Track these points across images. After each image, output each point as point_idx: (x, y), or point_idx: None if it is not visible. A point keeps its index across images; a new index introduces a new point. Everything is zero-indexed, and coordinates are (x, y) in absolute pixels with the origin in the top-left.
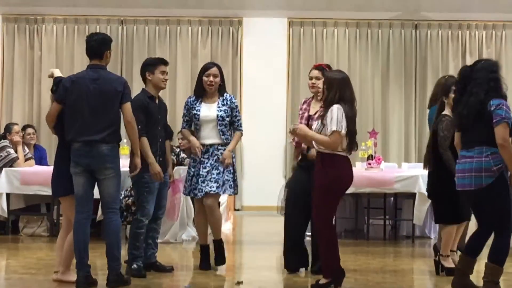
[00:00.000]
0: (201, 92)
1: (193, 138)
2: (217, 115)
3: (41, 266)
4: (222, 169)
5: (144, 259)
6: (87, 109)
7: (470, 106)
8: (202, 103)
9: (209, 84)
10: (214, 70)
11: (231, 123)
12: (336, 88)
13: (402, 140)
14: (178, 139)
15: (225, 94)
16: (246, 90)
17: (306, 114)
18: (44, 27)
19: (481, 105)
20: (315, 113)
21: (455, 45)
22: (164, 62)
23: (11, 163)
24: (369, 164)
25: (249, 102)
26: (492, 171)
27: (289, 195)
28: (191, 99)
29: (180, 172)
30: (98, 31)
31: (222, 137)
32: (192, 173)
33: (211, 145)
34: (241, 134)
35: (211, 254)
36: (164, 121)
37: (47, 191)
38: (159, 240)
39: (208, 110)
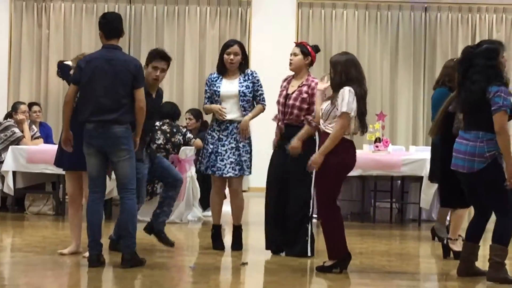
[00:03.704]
0: (222, 69)
1: (212, 105)
2: (239, 91)
3: (46, 244)
4: (241, 151)
5: (156, 224)
6: (101, 89)
7: (471, 92)
8: (223, 80)
9: (230, 62)
10: (235, 48)
11: (253, 98)
12: (341, 70)
13: (410, 123)
14: (186, 118)
15: (246, 70)
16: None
17: (284, 92)
18: (52, 5)
19: (482, 92)
20: (293, 92)
21: (465, 29)
22: (162, 56)
23: (17, 141)
24: (377, 146)
25: None
26: (484, 157)
27: (268, 176)
28: (213, 75)
29: (187, 152)
30: (106, 10)
31: (244, 113)
32: (210, 150)
33: (231, 122)
34: (263, 108)
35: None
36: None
37: (53, 169)
38: None
39: (229, 86)
